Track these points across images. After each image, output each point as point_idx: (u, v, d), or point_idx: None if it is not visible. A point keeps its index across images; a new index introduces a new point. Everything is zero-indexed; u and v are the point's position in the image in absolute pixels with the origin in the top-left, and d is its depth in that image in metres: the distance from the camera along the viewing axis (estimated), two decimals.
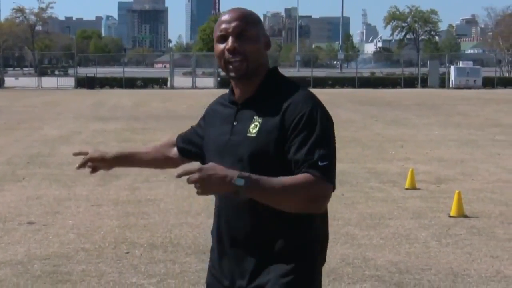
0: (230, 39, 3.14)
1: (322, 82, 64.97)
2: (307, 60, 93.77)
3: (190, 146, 3.84)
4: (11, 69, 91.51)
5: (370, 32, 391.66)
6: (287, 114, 3.10)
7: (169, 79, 66.44)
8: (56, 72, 79.27)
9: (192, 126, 3.99)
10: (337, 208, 11.60)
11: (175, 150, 3.94)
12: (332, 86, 64.55)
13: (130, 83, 63.68)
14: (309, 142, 3.03)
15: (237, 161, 3.19)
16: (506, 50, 76.62)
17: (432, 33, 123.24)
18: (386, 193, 12.86)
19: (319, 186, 3.01)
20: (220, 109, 3.56)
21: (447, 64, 71.98)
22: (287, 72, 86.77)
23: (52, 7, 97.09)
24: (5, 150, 19.44)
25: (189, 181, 2.94)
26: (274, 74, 3.31)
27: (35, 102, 42.32)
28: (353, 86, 63.51)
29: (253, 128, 3.16)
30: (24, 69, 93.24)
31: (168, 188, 13.38)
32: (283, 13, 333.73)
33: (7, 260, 8.56)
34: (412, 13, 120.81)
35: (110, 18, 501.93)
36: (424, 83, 64.21)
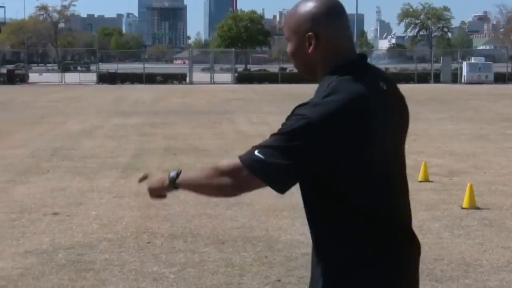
0: None
1: None
2: None
3: None
4: (35, 65, 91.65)
5: (384, 28, 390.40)
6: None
7: (188, 75, 66.46)
8: (79, 68, 79.58)
9: None
10: None
11: None
12: None
13: (150, 78, 63.73)
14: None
15: None
16: None
17: (445, 29, 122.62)
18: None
19: (232, 171, 2.85)
20: None
21: (460, 60, 71.68)
22: None
23: (74, 5, 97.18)
24: (30, 143, 19.52)
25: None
26: (338, 69, 2.84)
27: (58, 97, 42.40)
28: None
29: None
30: (47, 65, 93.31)
31: None
32: None
33: (32, 249, 8.61)
34: (425, 10, 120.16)
35: (130, 16, 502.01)
36: (437, 79, 63.95)
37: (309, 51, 2.81)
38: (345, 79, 2.73)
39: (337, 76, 2.76)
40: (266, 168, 2.72)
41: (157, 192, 3.24)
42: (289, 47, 2.90)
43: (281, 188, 2.84)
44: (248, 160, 2.75)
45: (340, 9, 2.83)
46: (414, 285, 2.99)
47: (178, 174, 3.10)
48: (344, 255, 2.83)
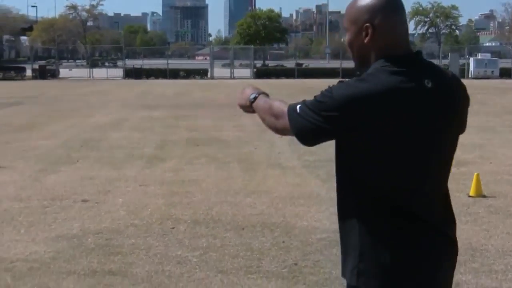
0: None
1: (350, 73, 64.51)
2: (337, 53, 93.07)
3: None
4: (65, 61, 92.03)
5: None
6: None
7: (209, 70, 66.50)
8: (106, 64, 79.56)
9: None
10: None
11: None
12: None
13: (173, 74, 63.79)
14: None
15: None
16: None
17: (453, 27, 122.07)
18: None
19: (280, 118, 2.98)
20: None
21: (467, 56, 71.35)
22: (318, 63, 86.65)
23: (102, 4, 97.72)
24: (60, 135, 19.60)
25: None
26: (374, 67, 2.80)
27: (87, 91, 42.53)
28: None
29: None
30: (77, 61, 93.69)
31: (209, 170, 13.42)
32: (314, 10, 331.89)
33: (63, 234, 8.65)
34: (434, 9, 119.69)
35: (155, 14, 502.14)
36: None
37: (365, 41, 2.79)
38: (384, 69, 2.71)
39: (382, 65, 2.74)
40: (297, 121, 2.84)
41: (245, 109, 3.35)
42: (347, 37, 2.90)
43: (304, 142, 2.92)
44: (289, 110, 2.90)
45: (399, 3, 2.81)
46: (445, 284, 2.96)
47: (255, 98, 3.24)
48: (370, 242, 2.79)
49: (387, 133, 2.67)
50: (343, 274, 2.92)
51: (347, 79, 2.78)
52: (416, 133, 2.72)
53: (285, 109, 2.92)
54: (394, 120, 2.66)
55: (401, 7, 2.81)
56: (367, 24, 2.75)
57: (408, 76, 2.71)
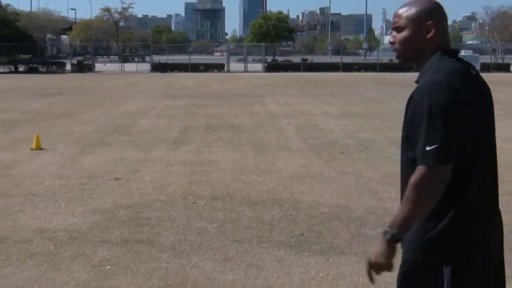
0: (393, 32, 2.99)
1: (349, 67, 64.52)
2: (337, 49, 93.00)
3: None
4: (100, 56, 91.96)
5: (389, 26, 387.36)
6: (410, 101, 2.77)
7: (225, 64, 66.40)
8: (135, 59, 79.62)
9: None
10: (362, 168, 11.57)
11: None
12: (358, 70, 63.96)
13: (194, 67, 63.70)
14: (416, 132, 2.66)
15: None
16: (499, 41, 75.90)
17: None
18: None
19: (432, 174, 2.58)
20: None
21: None
22: (321, 58, 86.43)
23: (132, 7, 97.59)
24: (95, 121, 19.61)
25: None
26: (433, 58, 2.85)
27: (119, 83, 42.56)
28: (375, 70, 62.89)
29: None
30: (110, 57, 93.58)
31: (225, 152, 13.40)
32: (317, 11, 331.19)
33: (98, 208, 8.66)
34: None
35: (178, 16, 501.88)
36: None
37: (428, 36, 2.85)
38: (446, 60, 2.80)
39: (442, 59, 2.81)
40: (444, 149, 2.59)
41: (384, 269, 2.78)
42: (402, 34, 2.90)
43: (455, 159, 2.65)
44: (428, 159, 2.60)
45: (444, 10, 2.91)
46: (499, 247, 2.92)
47: (392, 234, 2.69)
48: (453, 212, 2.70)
49: (466, 113, 2.68)
50: (407, 254, 2.81)
51: (431, 81, 2.72)
52: (477, 111, 2.75)
53: (421, 170, 2.62)
54: (468, 101, 2.69)
55: (445, 13, 2.92)
56: (431, 22, 2.84)
57: (462, 65, 2.81)
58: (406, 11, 2.90)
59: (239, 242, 7.10)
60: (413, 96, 2.73)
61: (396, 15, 2.93)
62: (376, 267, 2.73)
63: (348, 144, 14.44)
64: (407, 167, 2.78)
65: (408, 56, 2.94)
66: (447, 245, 2.69)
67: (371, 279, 2.94)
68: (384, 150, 13.63)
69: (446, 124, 2.59)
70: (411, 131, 2.72)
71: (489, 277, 2.77)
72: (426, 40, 2.86)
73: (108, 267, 6.30)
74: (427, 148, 2.58)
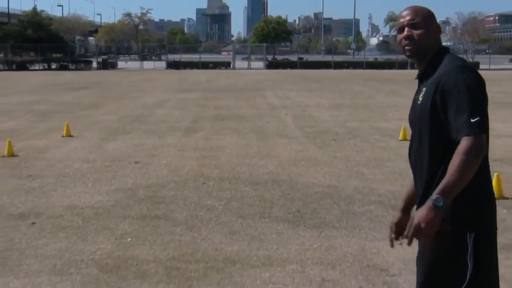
0: (405, 29, 2.91)
1: (340, 65, 64.36)
2: (329, 49, 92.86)
3: None
4: (122, 55, 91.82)
5: (374, 29, 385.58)
6: (439, 84, 2.73)
7: (231, 62, 66.33)
8: (153, 58, 79.54)
9: None
10: (351, 153, 11.55)
11: None
12: (347, 67, 63.76)
13: (204, 65, 63.58)
14: (457, 109, 2.63)
15: (417, 124, 2.88)
16: (470, 43, 75.93)
17: None
18: (385, 143, 12.74)
19: (474, 141, 2.56)
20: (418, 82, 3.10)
21: None
22: (315, 57, 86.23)
23: (150, 12, 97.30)
24: (117, 112, 19.59)
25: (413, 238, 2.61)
26: (441, 52, 2.91)
27: (138, 78, 42.51)
28: (362, 68, 62.75)
29: (421, 97, 2.84)
30: (130, 55, 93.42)
31: (231, 139, 13.39)
32: (312, 16, 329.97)
33: (121, 188, 8.65)
34: None
35: (190, 20, 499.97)
36: (412, 66, 63.10)
37: (433, 37, 2.91)
38: (453, 55, 2.91)
39: (447, 53, 2.90)
40: (484, 121, 2.64)
41: (432, 231, 2.56)
42: (421, 31, 2.90)
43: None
44: (475, 129, 2.58)
45: None
46: None
47: (444, 201, 2.54)
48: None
49: None
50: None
51: (460, 65, 2.81)
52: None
53: (469, 138, 2.58)
54: None
55: None
56: (438, 25, 2.97)
57: None
58: (421, 11, 2.94)
59: (243, 218, 7.09)
60: (444, 81, 2.72)
61: (413, 13, 2.93)
62: (418, 231, 2.54)
63: (339, 132, 14.42)
64: (434, 149, 2.75)
65: (423, 51, 2.92)
66: (472, 215, 2.70)
67: (392, 243, 3.01)
68: (369, 137, 13.61)
69: (481, 99, 2.67)
70: (443, 112, 2.70)
71: (496, 241, 2.82)
72: (435, 39, 2.93)
73: (129, 239, 6.31)
74: (472, 120, 2.58)
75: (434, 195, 2.53)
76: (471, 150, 2.56)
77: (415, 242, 2.69)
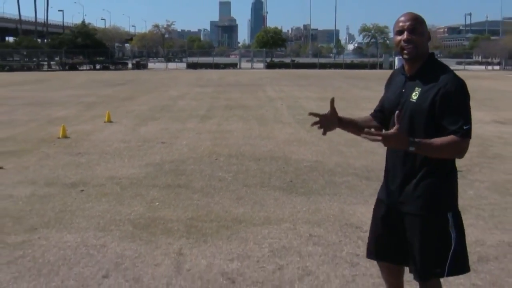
0: (405, 33, 2.69)
1: (324, 66, 63.87)
2: (316, 53, 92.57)
3: (380, 114, 3.06)
4: (151, 58, 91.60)
5: (351, 38, 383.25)
6: (440, 90, 2.58)
7: (238, 63, 66.04)
8: (176, 60, 79.13)
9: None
10: (332, 135, 11.46)
11: (373, 122, 3.16)
12: (330, 68, 63.22)
13: (216, 66, 63.21)
14: (454, 113, 2.57)
15: (404, 118, 2.67)
16: (434, 49, 76.31)
17: (385, 38, 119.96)
18: None
19: (462, 143, 2.56)
20: (397, 76, 2.93)
21: (394, 56, 70.35)
22: (304, 60, 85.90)
23: (174, 24, 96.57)
24: (148, 102, 19.51)
25: (371, 140, 2.58)
26: (432, 58, 2.75)
27: (164, 76, 42.35)
28: (341, 68, 62.26)
29: (414, 96, 2.67)
30: (158, 58, 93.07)
31: (238, 124, 13.33)
32: (302, 27, 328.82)
33: (150, 163, 8.61)
34: (374, 27, 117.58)
35: (205, 30, 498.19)
36: (381, 67, 62.88)
37: (426, 43, 2.75)
38: (441, 62, 2.78)
39: (436, 59, 2.77)
40: (471, 129, 2.60)
41: (395, 146, 2.61)
42: (416, 37, 2.69)
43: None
44: (466, 135, 2.58)
45: None
46: None
47: (414, 146, 2.56)
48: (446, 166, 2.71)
49: None
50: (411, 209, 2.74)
51: (456, 77, 2.66)
52: None
53: (453, 137, 2.57)
54: None
55: None
56: (428, 32, 2.75)
57: None
58: (420, 19, 2.74)
59: (248, 186, 7.05)
60: (446, 84, 2.60)
61: (414, 19, 2.72)
62: (386, 140, 2.53)
63: None
64: (431, 135, 2.61)
65: (419, 54, 2.72)
66: (449, 199, 2.73)
67: (314, 125, 3.11)
68: None
69: (470, 109, 2.62)
70: (440, 113, 2.60)
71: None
72: (427, 45, 2.77)
73: (157, 203, 6.28)
74: (465, 127, 2.55)
75: (415, 140, 2.54)
76: (456, 148, 2.58)
77: None
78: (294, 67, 62.87)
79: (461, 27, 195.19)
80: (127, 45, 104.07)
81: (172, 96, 22.65)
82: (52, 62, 63.27)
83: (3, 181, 7.38)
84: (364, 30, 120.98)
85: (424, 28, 2.73)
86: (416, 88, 2.69)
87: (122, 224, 5.48)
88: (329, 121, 3.11)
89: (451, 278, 4.07)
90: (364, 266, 4.32)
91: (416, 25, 2.70)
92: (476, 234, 5.15)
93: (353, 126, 3.11)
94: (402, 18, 2.75)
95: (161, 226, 5.43)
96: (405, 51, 2.73)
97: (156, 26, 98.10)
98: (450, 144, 2.56)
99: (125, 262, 4.48)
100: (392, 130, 2.55)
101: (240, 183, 7.23)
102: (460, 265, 2.74)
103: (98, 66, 61.26)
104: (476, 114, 15.49)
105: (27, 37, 69.85)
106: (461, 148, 2.59)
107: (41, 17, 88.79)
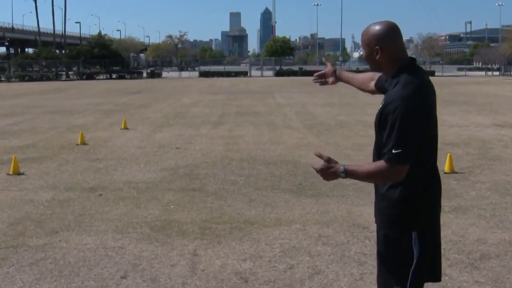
0: None
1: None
2: (322, 61, 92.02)
3: (382, 88, 2.77)
4: (165, 67, 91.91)
5: (356, 46, 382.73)
6: (383, 107, 2.37)
7: (248, 72, 66.15)
8: (188, 69, 79.48)
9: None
10: (340, 140, 11.46)
11: (373, 83, 2.96)
12: None
13: (227, 74, 63.46)
14: (388, 135, 2.30)
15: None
16: (428, 56, 75.62)
17: None
18: (366, 132, 12.59)
19: (388, 170, 2.28)
20: None
21: None
22: (311, 67, 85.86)
23: (186, 34, 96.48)
24: (163, 110, 19.58)
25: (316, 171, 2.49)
26: (402, 68, 2.40)
27: (178, 85, 42.51)
28: None
29: (378, 107, 2.44)
30: (172, 67, 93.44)
31: (249, 130, 13.34)
32: (309, 36, 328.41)
33: (165, 168, 8.65)
34: None
35: (216, 40, 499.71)
36: None
37: (376, 59, 2.42)
38: (410, 76, 2.36)
39: (403, 74, 2.38)
40: (405, 155, 2.28)
41: (331, 179, 2.51)
42: (364, 54, 2.52)
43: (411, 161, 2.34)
44: (392, 160, 2.28)
45: (397, 29, 2.44)
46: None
47: (345, 176, 2.44)
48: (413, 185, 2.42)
49: (430, 117, 2.40)
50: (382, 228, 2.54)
51: (403, 94, 2.31)
52: (435, 113, 2.45)
53: (382, 164, 2.33)
54: (432, 106, 2.40)
55: (398, 31, 2.46)
56: (377, 48, 2.40)
57: (423, 75, 2.44)
58: (364, 35, 2.50)
59: (259, 189, 7.06)
60: (388, 103, 2.34)
61: (361, 35, 2.52)
62: (322, 173, 2.48)
63: (330, 124, 14.32)
64: (379, 148, 2.46)
65: (378, 66, 2.50)
66: (415, 218, 2.44)
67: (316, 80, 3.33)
68: (354, 128, 13.51)
69: (409, 133, 2.28)
70: (383, 128, 2.37)
71: (439, 224, 2.56)
72: (378, 61, 2.45)
73: (172, 206, 6.30)
74: (393, 151, 2.27)
75: (344, 168, 2.41)
76: (379, 174, 2.34)
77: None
78: (302, 75, 62.81)
79: (462, 35, 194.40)
80: (142, 55, 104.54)
81: (186, 103, 22.72)
82: (70, 72, 63.86)
83: (25, 186, 7.45)
84: None
85: (370, 40, 2.44)
86: (383, 100, 2.48)
87: (139, 227, 5.51)
88: (328, 77, 3.36)
89: (454, 276, 4.12)
90: (371, 265, 4.31)
91: (363, 40, 2.49)
92: (478, 233, 5.15)
93: (351, 84, 3.22)
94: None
95: (176, 228, 5.45)
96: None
97: (170, 36, 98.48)
98: (376, 170, 2.35)
99: (142, 263, 4.50)
100: (315, 167, 2.48)
101: (251, 186, 7.24)
102: (425, 279, 2.52)
103: (114, 76, 61.64)
104: (476, 118, 15.48)
105: (46, 48, 70.41)
106: (387, 175, 2.33)
107: (59, 29, 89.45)
